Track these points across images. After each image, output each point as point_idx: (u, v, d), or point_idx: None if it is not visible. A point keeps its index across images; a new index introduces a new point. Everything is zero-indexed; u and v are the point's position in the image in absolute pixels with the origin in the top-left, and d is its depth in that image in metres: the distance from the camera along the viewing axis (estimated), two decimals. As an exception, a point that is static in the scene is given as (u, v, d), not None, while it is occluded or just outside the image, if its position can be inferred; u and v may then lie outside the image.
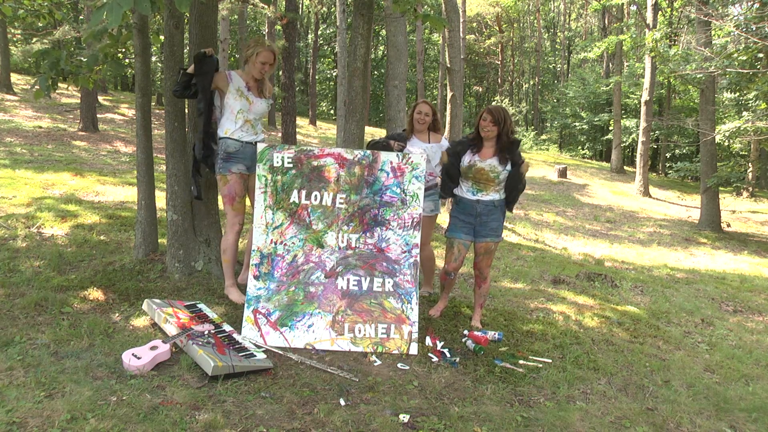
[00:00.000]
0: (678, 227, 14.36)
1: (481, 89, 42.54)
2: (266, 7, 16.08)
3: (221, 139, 4.09)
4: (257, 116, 4.16)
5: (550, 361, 3.84)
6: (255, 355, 3.39)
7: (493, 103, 33.36)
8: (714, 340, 4.99)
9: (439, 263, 6.17)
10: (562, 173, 21.61)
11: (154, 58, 19.77)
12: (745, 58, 13.06)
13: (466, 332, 4.13)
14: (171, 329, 3.51)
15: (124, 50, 5.09)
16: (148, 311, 3.80)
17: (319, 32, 32.63)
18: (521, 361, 3.80)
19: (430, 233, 4.86)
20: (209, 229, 4.74)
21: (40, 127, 14.99)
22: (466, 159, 4.18)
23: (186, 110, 4.66)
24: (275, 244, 3.90)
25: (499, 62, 39.22)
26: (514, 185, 4.18)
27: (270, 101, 4.29)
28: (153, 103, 19.59)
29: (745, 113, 15.90)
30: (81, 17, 15.86)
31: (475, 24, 36.73)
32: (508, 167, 4.11)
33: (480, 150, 4.17)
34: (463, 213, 4.24)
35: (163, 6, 4.40)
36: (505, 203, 4.25)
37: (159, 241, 5.03)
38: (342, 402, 3.03)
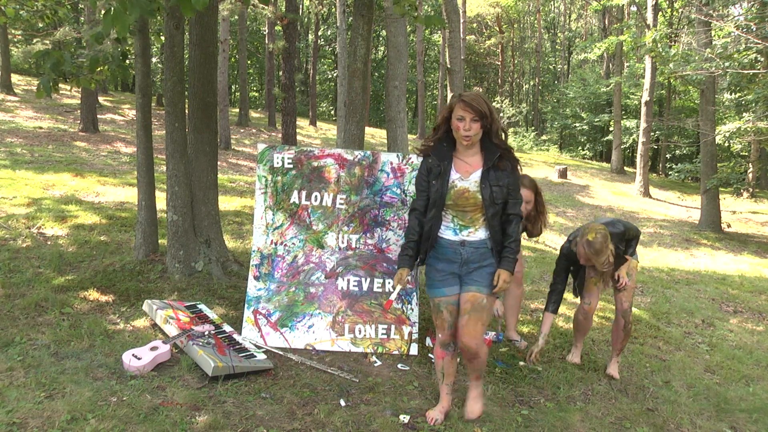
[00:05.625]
0: (678, 228, 14.34)
1: (481, 90, 42.55)
2: (266, 7, 16.10)
3: None
4: None
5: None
6: (255, 356, 3.39)
7: (498, 106, 33.16)
8: (714, 341, 4.99)
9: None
10: (563, 174, 21.58)
11: (154, 59, 19.78)
12: (746, 62, 13.04)
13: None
14: (171, 330, 3.51)
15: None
16: (149, 312, 3.80)
17: (320, 33, 32.63)
18: (521, 362, 3.79)
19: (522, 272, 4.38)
20: (209, 230, 4.75)
21: (41, 128, 14.99)
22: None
23: (186, 111, 4.67)
24: (275, 244, 3.90)
25: (500, 63, 39.21)
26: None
27: None
28: (153, 104, 19.58)
29: (745, 114, 15.88)
30: (82, 18, 15.85)
31: (475, 24, 36.73)
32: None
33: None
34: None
35: (163, 9, 4.41)
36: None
37: (159, 241, 5.03)
38: (342, 402, 3.03)
